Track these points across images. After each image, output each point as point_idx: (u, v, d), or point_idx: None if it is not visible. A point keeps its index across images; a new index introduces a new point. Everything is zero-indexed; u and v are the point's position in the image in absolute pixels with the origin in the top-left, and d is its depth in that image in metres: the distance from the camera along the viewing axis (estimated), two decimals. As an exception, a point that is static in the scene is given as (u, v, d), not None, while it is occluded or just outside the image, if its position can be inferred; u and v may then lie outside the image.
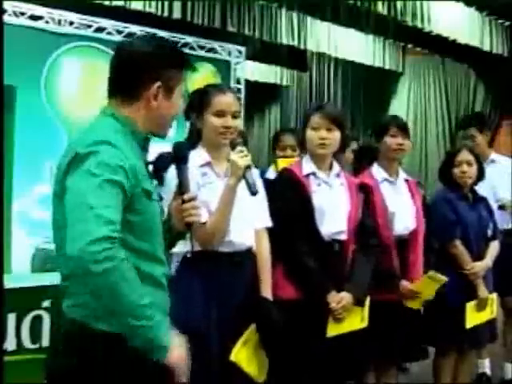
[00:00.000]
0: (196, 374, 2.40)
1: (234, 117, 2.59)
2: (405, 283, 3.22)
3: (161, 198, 2.13)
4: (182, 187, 2.01)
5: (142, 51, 1.83)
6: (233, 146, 2.52)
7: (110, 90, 1.87)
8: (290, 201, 2.86)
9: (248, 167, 2.44)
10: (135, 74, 1.81)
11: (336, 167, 3.01)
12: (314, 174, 2.94)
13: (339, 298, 2.84)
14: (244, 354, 2.45)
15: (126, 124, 1.82)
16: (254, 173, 2.58)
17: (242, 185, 2.49)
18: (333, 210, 2.90)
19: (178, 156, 2.06)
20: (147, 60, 1.82)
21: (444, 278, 3.28)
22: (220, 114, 2.56)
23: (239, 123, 2.62)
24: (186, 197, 1.98)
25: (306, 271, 2.83)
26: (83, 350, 1.69)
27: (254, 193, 2.40)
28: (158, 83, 1.81)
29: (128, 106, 1.83)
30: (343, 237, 2.92)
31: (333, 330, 2.83)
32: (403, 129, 3.39)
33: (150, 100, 1.82)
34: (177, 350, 1.73)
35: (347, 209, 2.95)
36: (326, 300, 2.82)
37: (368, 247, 3.02)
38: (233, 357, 2.42)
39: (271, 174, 3.77)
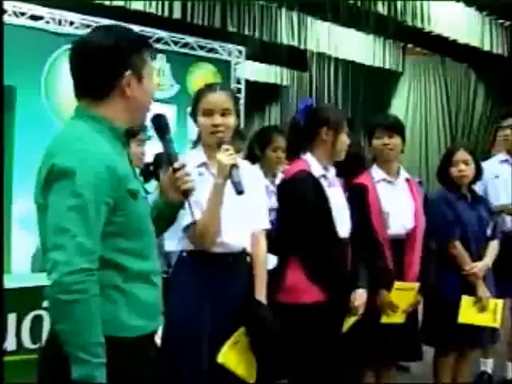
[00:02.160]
0: (187, 374, 2.41)
1: (224, 114, 2.51)
2: (385, 293, 3.18)
3: (147, 193, 2.06)
4: (170, 157, 1.94)
5: (103, 46, 1.77)
6: (219, 145, 2.47)
7: (78, 93, 1.83)
8: (312, 201, 2.86)
9: (234, 166, 2.38)
10: (101, 71, 1.76)
11: (332, 168, 3.03)
12: (324, 176, 2.95)
13: (362, 296, 2.97)
14: (232, 356, 2.42)
15: (102, 122, 1.77)
16: (246, 170, 2.53)
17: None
18: (340, 209, 2.94)
19: (159, 127, 2.00)
20: (110, 54, 1.76)
21: (414, 285, 3.24)
22: (208, 112, 2.51)
23: (230, 121, 2.53)
24: (176, 165, 1.92)
25: (334, 272, 2.85)
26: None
27: (239, 192, 2.33)
28: (129, 72, 1.77)
29: (101, 105, 1.79)
30: (347, 235, 2.96)
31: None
32: (388, 128, 3.30)
33: (124, 91, 1.78)
34: None
35: (348, 208, 2.99)
36: (351, 298, 2.91)
37: (361, 246, 3.04)
38: (220, 358, 2.39)
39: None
